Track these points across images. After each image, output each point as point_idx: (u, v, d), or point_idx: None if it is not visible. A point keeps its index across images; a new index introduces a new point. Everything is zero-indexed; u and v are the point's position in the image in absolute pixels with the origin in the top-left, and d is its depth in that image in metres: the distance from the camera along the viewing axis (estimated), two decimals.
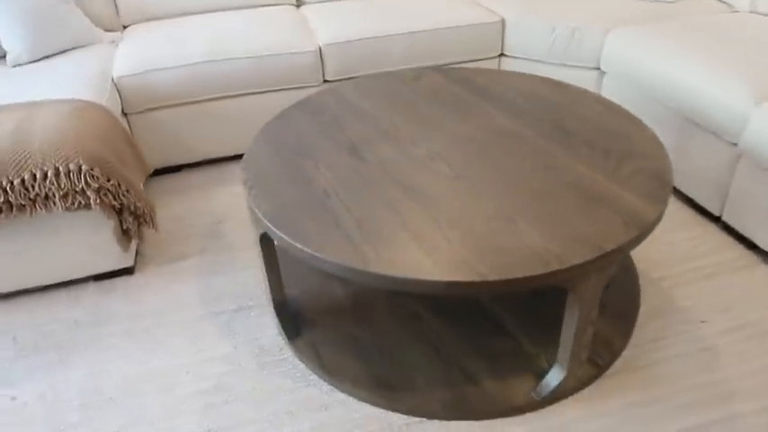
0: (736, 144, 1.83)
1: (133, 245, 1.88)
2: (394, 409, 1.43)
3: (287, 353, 1.60)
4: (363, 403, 1.46)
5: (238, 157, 2.50)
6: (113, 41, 2.42)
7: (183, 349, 1.63)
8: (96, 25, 2.47)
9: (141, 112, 2.21)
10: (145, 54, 2.19)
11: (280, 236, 1.28)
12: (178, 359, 1.60)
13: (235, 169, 2.42)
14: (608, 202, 1.33)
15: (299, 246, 1.24)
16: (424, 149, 1.57)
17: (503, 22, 2.49)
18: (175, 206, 2.22)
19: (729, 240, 1.93)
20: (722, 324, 1.63)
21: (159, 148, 2.30)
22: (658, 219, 1.31)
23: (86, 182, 1.59)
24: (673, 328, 1.62)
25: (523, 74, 1.98)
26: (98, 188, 1.61)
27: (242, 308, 1.75)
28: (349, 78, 2.40)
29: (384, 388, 1.46)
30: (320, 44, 2.31)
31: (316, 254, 1.22)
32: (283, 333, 1.61)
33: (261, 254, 1.50)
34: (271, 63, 2.25)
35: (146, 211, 1.75)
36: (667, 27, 2.22)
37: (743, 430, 1.35)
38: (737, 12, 2.43)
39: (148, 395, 1.50)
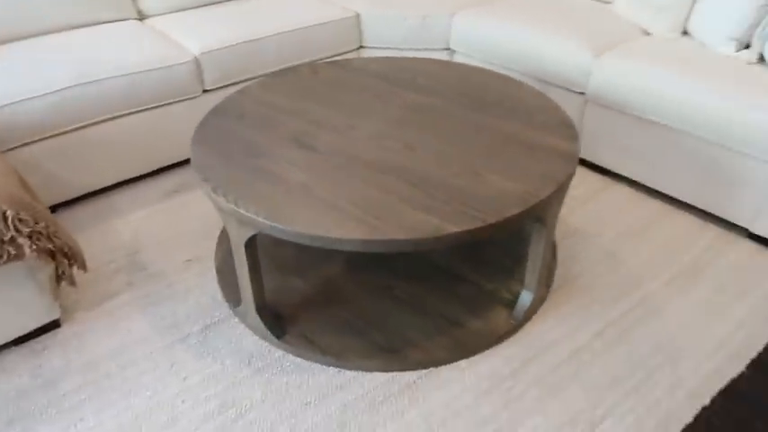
0: (583, 93, 2.27)
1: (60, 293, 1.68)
2: (403, 369, 1.55)
3: (277, 352, 1.61)
4: (373, 373, 1.54)
5: (124, 183, 2.31)
6: None
7: (166, 381, 1.53)
8: None
9: (12, 149, 1.94)
10: (1, 85, 1.93)
11: (288, 231, 1.31)
12: (166, 392, 1.50)
13: (124, 197, 2.24)
14: (541, 147, 1.60)
15: (320, 234, 1.29)
16: (365, 132, 1.69)
17: (358, 16, 2.67)
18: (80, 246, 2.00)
19: (588, 172, 2.38)
20: (610, 233, 2.04)
21: (40, 186, 2.04)
22: (579, 152, 1.62)
23: (16, 228, 1.40)
24: (578, 245, 1.98)
25: (408, 57, 2.19)
26: (30, 233, 1.42)
27: (208, 326, 1.69)
28: (229, 85, 2.38)
29: (388, 353, 1.56)
30: (195, 53, 2.25)
31: (336, 237, 1.29)
32: (269, 334, 1.60)
33: (245, 259, 1.48)
34: (146, 79, 2.14)
35: (75, 251, 1.58)
36: (500, 7, 2.62)
37: (659, 300, 1.74)
38: None
39: None
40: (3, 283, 1.51)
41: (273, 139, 1.66)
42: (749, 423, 1.42)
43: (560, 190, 1.47)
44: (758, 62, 2.04)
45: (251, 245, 1.47)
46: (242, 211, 1.37)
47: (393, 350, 1.57)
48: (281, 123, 1.74)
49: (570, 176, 1.51)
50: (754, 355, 1.59)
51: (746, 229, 2.01)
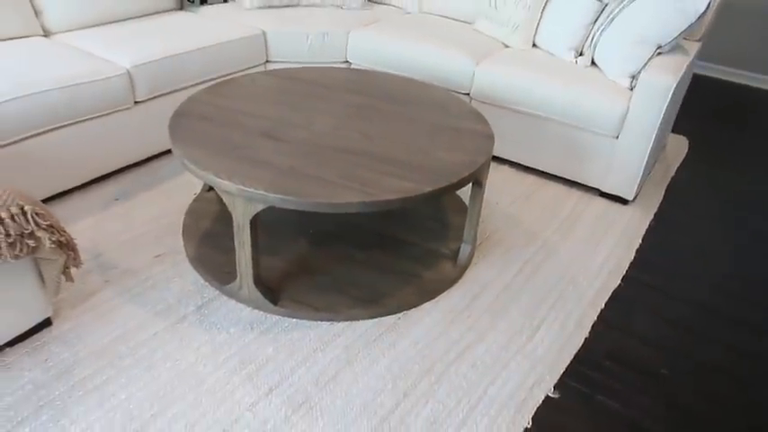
0: (468, 93, 2.80)
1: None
2: (384, 314, 1.88)
3: (273, 317, 1.84)
4: (360, 321, 1.85)
5: (65, 193, 2.32)
6: None
7: (182, 353, 1.69)
8: None
9: None
10: None
11: (299, 201, 1.58)
12: (185, 361, 1.66)
13: (68, 206, 2.26)
14: (464, 130, 2.05)
15: (326, 201, 1.58)
16: (323, 127, 2.00)
17: (264, 34, 2.94)
18: None
19: None
20: (505, 200, 2.57)
21: None
22: (492, 132, 2.10)
23: (35, 222, 1.48)
24: (485, 211, 2.48)
25: (329, 67, 2.53)
26: (47, 227, 1.51)
27: (200, 306, 1.86)
28: (158, 97, 2.50)
29: (368, 303, 1.89)
30: (127, 67, 2.36)
31: (340, 202, 1.59)
32: (265, 302, 1.83)
33: (249, 235, 1.71)
34: (84, 91, 2.21)
35: (75, 246, 1.66)
36: (386, 26, 3.07)
37: (553, 244, 2.29)
38: (410, 13, 3.46)
39: (187, 397, 1.56)
40: (3, 281, 1.56)
41: (245, 134, 1.90)
42: (631, 316, 1.99)
43: (488, 159, 1.93)
44: (592, 65, 2.74)
45: (255, 220, 1.71)
46: (251, 189, 1.62)
47: (372, 301, 1.90)
48: (246, 122, 1.98)
49: (491, 149, 1.97)
50: (623, 272, 2.19)
51: (598, 189, 2.67)
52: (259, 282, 1.84)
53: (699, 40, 2.81)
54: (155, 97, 2.51)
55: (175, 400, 1.55)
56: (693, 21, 2.40)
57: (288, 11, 3.24)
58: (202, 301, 1.88)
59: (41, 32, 2.60)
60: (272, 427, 1.50)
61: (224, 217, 2.24)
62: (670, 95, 2.34)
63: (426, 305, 1.94)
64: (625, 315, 1.99)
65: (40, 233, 1.50)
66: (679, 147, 3.27)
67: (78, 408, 1.51)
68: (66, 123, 2.20)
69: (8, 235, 1.45)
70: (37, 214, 1.50)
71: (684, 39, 2.78)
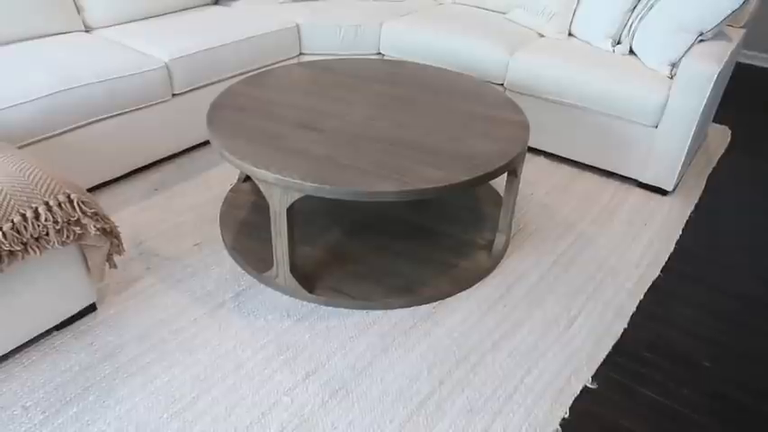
0: (502, 84, 2.77)
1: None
2: (420, 303, 1.88)
3: (309, 305, 1.86)
4: (396, 310, 1.86)
5: (107, 184, 2.40)
6: None
7: (221, 338, 1.72)
8: None
9: None
10: None
11: (335, 190, 1.60)
12: (224, 346, 1.70)
13: (110, 196, 2.32)
14: (498, 119, 2.03)
15: (362, 189, 1.59)
16: (357, 117, 2.01)
17: (298, 27, 2.96)
18: None
19: None
20: (540, 192, 2.54)
21: None
22: (528, 122, 2.08)
23: (82, 210, 1.53)
24: (520, 202, 2.46)
25: (362, 58, 2.54)
26: (93, 213, 1.56)
27: (238, 293, 1.90)
28: (194, 89, 2.55)
29: (404, 292, 1.89)
30: (165, 60, 2.41)
31: (375, 190, 1.60)
32: (301, 290, 1.85)
33: (285, 224, 1.73)
34: (124, 84, 2.26)
35: (118, 234, 1.71)
36: (419, 18, 3.06)
37: (590, 234, 2.26)
38: (443, 3, 3.44)
39: (227, 380, 1.60)
40: (52, 267, 1.62)
41: (281, 125, 1.92)
42: (671, 308, 1.95)
43: (524, 149, 1.91)
44: (630, 54, 2.68)
45: (291, 209, 1.73)
46: (288, 179, 1.63)
47: (407, 290, 1.90)
48: (282, 113, 2.00)
49: (528, 138, 1.95)
50: (663, 263, 2.15)
51: (636, 180, 2.62)
52: (295, 270, 1.86)
53: (743, 27, 2.72)
54: (192, 90, 2.55)
55: (215, 384, 1.58)
56: (737, 7, 2.33)
57: (320, 3, 3.25)
58: (240, 289, 1.91)
59: (83, 28, 2.67)
60: (309, 412, 1.52)
61: (260, 207, 2.28)
62: (712, 84, 2.27)
63: (461, 295, 1.94)
64: (665, 306, 1.95)
65: (85, 220, 1.55)
66: (721, 137, 3.18)
67: (123, 389, 1.55)
68: (107, 116, 2.26)
69: (56, 222, 1.49)
70: (83, 202, 1.55)
71: (728, 26, 2.70)
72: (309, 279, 1.93)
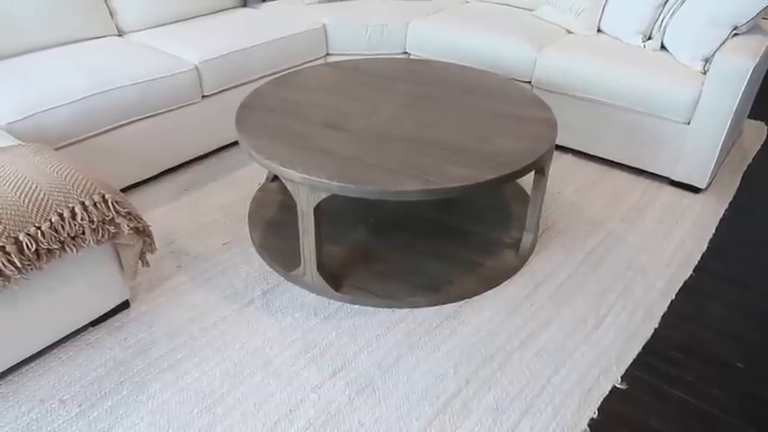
0: (529, 81, 2.75)
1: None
2: (446, 302, 1.88)
3: (336, 303, 1.88)
4: (422, 308, 1.86)
5: (138, 185, 2.46)
6: None
7: (249, 335, 1.75)
8: None
9: None
10: (24, 96, 2.03)
11: (361, 189, 1.61)
12: (252, 343, 1.73)
13: (141, 197, 2.38)
14: (528, 117, 2.02)
15: (388, 189, 1.60)
16: (383, 116, 2.02)
17: (324, 27, 2.99)
18: None
19: None
20: (568, 190, 2.51)
21: None
22: (556, 119, 2.06)
23: (116, 210, 1.57)
24: (547, 201, 2.43)
25: (389, 57, 2.54)
26: (126, 213, 1.60)
27: (266, 291, 1.92)
28: (224, 91, 2.59)
29: (430, 291, 1.89)
30: (195, 63, 2.46)
31: (401, 189, 1.60)
32: (328, 288, 1.87)
33: (312, 223, 1.75)
34: (156, 86, 2.31)
35: (151, 233, 1.75)
36: (445, 16, 3.06)
37: (619, 233, 2.23)
38: (469, 2, 3.43)
39: (255, 377, 1.62)
40: (87, 266, 1.66)
41: (308, 125, 1.94)
42: (704, 308, 1.91)
43: (551, 147, 1.89)
44: (661, 49, 2.63)
45: (318, 208, 1.75)
46: (315, 178, 1.65)
47: (434, 289, 1.91)
48: (309, 113, 2.02)
49: (555, 137, 1.94)
50: (695, 262, 2.10)
51: (668, 178, 2.57)
52: (322, 268, 1.88)
53: None
54: (221, 91, 2.60)
55: (244, 380, 1.61)
56: None
57: (347, 3, 3.27)
58: (268, 287, 1.94)
59: (116, 32, 2.74)
60: (336, 409, 1.54)
61: (287, 206, 2.30)
62: (747, 79, 2.22)
63: (488, 293, 1.93)
64: (697, 306, 1.91)
65: (119, 219, 1.59)
66: (756, 133, 3.10)
67: (155, 384, 1.59)
68: (139, 118, 2.32)
69: (92, 221, 1.54)
70: (116, 202, 1.59)
71: (763, 18, 2.63)
72: (336, 277, 1.95)
